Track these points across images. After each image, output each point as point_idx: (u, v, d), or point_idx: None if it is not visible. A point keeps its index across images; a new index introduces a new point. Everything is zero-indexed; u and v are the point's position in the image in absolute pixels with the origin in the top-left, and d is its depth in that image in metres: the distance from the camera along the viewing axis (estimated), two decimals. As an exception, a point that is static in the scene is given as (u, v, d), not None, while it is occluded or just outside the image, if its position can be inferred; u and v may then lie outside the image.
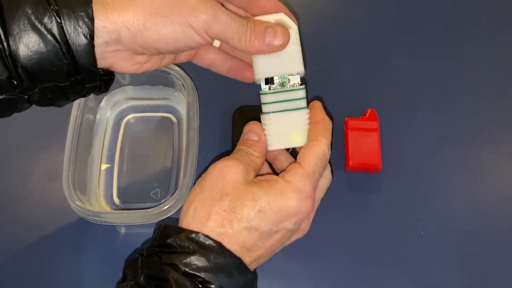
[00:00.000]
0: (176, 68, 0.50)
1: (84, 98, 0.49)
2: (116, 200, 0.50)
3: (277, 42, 0.36)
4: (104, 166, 0.51)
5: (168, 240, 0.32)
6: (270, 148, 0.38)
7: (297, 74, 0.38)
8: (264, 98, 0.38)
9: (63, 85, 0.33)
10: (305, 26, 0.59)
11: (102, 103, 0.53)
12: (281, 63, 0.37)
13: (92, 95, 0.50)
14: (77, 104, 0.48)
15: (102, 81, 0.36)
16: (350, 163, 0.49)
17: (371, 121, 0.51)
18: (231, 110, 0.53)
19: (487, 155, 0.52)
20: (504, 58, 0.57)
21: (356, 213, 0.49)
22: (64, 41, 0.31)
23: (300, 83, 0.38)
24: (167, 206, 0.44)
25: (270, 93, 0.38)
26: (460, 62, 0.57)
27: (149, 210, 0.44)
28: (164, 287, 0.31)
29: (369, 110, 0.51)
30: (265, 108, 0.38)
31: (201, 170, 0.49)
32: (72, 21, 0.31)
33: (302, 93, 0.38)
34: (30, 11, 0.30)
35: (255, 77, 0.39)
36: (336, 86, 0.55)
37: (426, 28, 0.59)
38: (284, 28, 0.36)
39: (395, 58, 0.57)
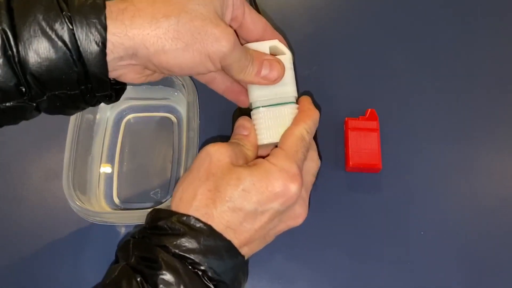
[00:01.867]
0: (176, 68, 0.50)
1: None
2: (116, 200, 0.50)
3: (273, 76, 0.37)
4: (104, 166, 0.51)
5: (159, 223, 0.33)
6: (261, 142, 0.39)
7: (291, 101, 0.39)
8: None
9: (73, 93, 0.33)
10: (305, 26, 0.59)
11: (102, 103, 0.53)
12: (275, 88, 0.38)
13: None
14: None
15: (113, 90, 0.35)
16: (350, 163, 0.49)
17: (371, 121, 0.51)
18: (231, 110, 0.52)
19: (487, 155, 0.52)
20: (505, 58, 0.57)
21: (356, 213, 0.49)
22: (75, 48, 0.30)
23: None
24: (167, 206, 0.44)
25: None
26: (460, 62, 0.57)
27: (149, 210, 0.44)
28: (154, 267, 0.31)
29: (369, 110, 0.51)
30: (254, 103, 0.39)
31: (201, 170, 0.50)
32: (84, 28, 0.30)
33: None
34: (41, 17, 0.30)
35: (249, 100, 0.40)
36: (336, 86, 0.55)
37: (426, 28, 0.59)
38: (280, 63, 0.37)
39: (395, 58, 0.57)
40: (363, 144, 0.50)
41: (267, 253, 0.47)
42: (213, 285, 0.32)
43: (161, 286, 0.31)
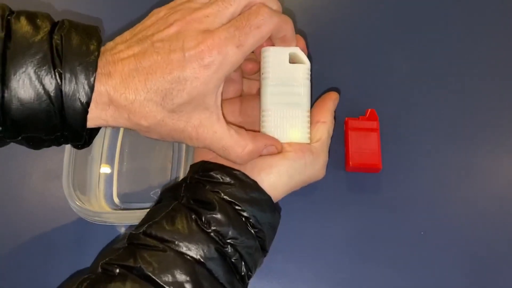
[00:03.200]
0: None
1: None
2: (116, 200, 0.50)
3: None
4: (104, 166, 0.51)
5: (212, 173, 0.37)
6: None
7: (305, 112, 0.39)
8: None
9: (47, 138, 0.34)
10: (305, 26, 0.59)
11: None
12: (288, 97, 0.39)
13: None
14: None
15: (88, 133, 0.36)
16: (350, 163, 0.49)
17: (371, 121, 0.51)
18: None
19: (488, 155, 0.52)
20: (505, 59, 0.57)
21: (356, 213, 0.49)
22: (58, 102, 0.31)
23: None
24: (167, 206, 0.44)
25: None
26: (460, 62, 0.57)
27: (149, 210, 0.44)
28: (208, 208, 0.35)
29: (369, 110, 0.51)
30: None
31: (201, 170, 0.50)
32: (72, 86, 0.31)
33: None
34: (32, 70, 0.31)
35: (261, 106, 0.39)
36: (336, 86, 0.55)
37: (426, 28, 0.59)
38: (277, 147, 0.39)
39: (395, 58, 0.57)
40: (363, 144, 0.50)
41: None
42: (254, 231, 0.36)
43: (213, 224, 0.34)
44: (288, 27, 0.37)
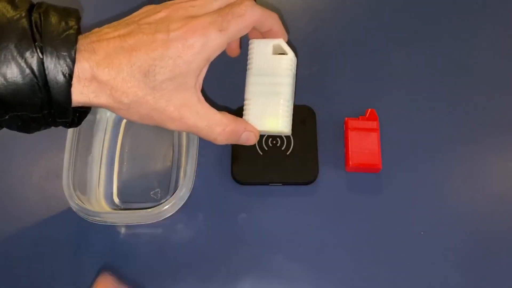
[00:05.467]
0: (176, 68, 0.50)
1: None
2: (116, 200, 0.50)
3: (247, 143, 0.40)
4: (104, 166, 0.51)
5: None
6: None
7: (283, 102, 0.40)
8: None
9: (35, 116, 0.34)
10: (305, 26, 0.59)
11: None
12: (270, 89, 0.39)
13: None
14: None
15: (76, 115, 0.36)
16: (350, 163, 0.49)
17: (371, 121, 0.51)
18: (231, 110, 0.53)
19: (487, 155, 0.52)
20: (505, 58, 0.57)
21: (356, 213, 0.49)
22: (42, 76, 0.32)
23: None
24: (167, 206, 0.44)
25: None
26: (460, 61, 0.57)
27: (149, 210, 0.44)
28: None
29: (369, 110, 0.51)
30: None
31: (201, 170, 0.50)
32: (54, 59, 0.32)
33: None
34: (13, 45, 0.31)
35: (244, 97, 0.40)
36: (336, 86, 0.55)
37: (426, 27, 0.59)
38: (256, 136, 0.40)
39: (395, 58, 0.57)
40: (363, 144, 0.50)
41: (267, 253, 0.48)
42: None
43: None
44: (274, 21, 0.38)
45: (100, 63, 0.33)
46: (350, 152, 0.50)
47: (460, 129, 0.53)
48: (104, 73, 0.33)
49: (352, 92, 0.55)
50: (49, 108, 0.33)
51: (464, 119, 0.54)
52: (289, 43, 0.40)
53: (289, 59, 0.39)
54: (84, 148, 0.49)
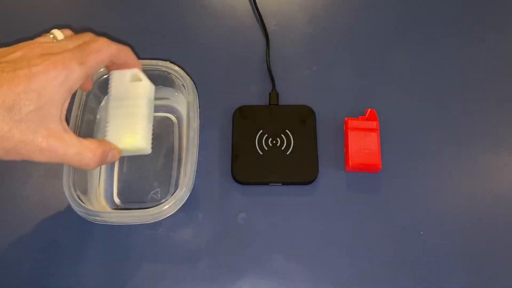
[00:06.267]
0: (176, 68, 0.50)
1: (84, 98, 0.49)
2: (116, 200, 0.50)
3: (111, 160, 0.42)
4: (104, 166, 0.51)
5: None
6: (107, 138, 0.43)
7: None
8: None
9: None
10: (305, 26, 0.59)
11: (103, 103, 0.53)
12: (128, 111, 0.43)
13: (92, 96, 0.50)
14: (77, 104, 0.48)
15: None
16: (350, 163, 0.49)
17: (371, 121, 0.51)
18: (231, 110, 0.53)
19: (487, 155, 0.52)
20: (505, 58, 0.57)
21: (356, 213, 0.49)
22: None
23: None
24: (167, 206, 0.44)
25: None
26: (460, 61, 0.57)
27: (149, 210, 0.44)
28: None
29: (369, 110, 0.51)
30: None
31: (201, 170, 0.50)
32: None
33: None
34: None
35: (106, 122, 0.44)
36: (336, 86, 0.55)
37: (426, 27, 0.59)
38: (119, 152, 0.42)
39: (395, 58, 0.57)
40: (363, 144, 0.50)
41: (267, 253, 0.48)
42: None
43: None
44: (127, 54, 0.42)
45: None
46: (350, 152, 0.50)
47: (460, 129, 0.53)
48: None
49: (352, 92, 0.55)
50: None
51: (464, 119, 0.54)
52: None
53: (144, 85, 0.44)
54: (84, 148, 0.48)
